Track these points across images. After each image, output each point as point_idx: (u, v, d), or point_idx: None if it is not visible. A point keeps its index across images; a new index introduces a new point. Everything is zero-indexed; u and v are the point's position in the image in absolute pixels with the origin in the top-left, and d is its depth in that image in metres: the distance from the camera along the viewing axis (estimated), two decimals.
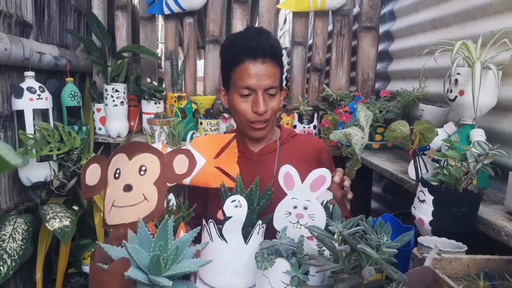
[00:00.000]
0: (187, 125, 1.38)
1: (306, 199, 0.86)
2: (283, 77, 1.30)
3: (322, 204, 0.93)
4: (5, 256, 1.24)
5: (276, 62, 1.18)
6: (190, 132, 1.13)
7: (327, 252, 0.79)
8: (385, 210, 2.14)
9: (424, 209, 0.90)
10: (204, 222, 0.92)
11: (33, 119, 1.46)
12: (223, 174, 1.05)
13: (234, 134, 1.10)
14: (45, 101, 1.49)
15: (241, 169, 1.10)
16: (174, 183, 0.84)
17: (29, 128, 1.45)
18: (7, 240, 1.29)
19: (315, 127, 1.88)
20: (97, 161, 0.82)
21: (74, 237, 1.54)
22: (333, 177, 0.97)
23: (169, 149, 1.06)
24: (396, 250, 0.67)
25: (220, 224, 0.89)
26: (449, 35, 1.39)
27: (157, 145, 1.09)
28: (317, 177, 0.86)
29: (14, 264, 1.24)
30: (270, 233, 0.93)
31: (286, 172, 0.88)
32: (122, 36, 2.06)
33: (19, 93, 1.42)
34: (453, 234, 0.86)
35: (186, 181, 1.03)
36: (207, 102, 1.94)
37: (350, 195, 1.04)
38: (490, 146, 0.87)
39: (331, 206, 0.91)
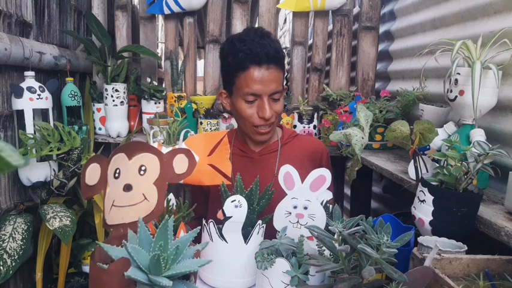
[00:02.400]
0: (181, 124, 1.38)
1: (306, 199, 0.86)
2: (284, 77, 1.31)
3: (321, 204, 0.93)
4: (5, 256, 1.24)
5: (279, 66, 1.18)
6: (184, 131, 1.13)
7: (327, 252, 0.79)
8: (385, 210, 2.14)
9: (424, 209, 0.90)
10: (204, 222, 0.92)
11: (33, 118, 1.46)
12: (216, 171, 1.06)
13: (227, 131, 1.09)
14: (45, 101, 1.49)
15: (242, 169, 1.10)
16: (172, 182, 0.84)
17: (29, 128, 1.44)
18: (7, 240, 1.29)
19: (315, 127, 1.87)
20: (97, 161, 0.82)
21: (74, 237, 1.54)
22: None
23: (164, 148, 1.06)
24: (396, 250, 0.67)
25: (220, 224, 0.89)
26: (450, 35, 1.39)
27: (153, 145, 1.10)
28: (317, 177, 0.86)
29: (14, 264, 1.24)
30: (270, 233, 0.93)
31: (286, 172, 0.88)
32: (121, 36, 2.06)
33: (19, 93, 1.42)
34: (453, 234, 0.86)
35: None
36: (207, 102, 1.94)
37: None
38: (490, 146, 0.87)
39: (330, 206, 0.91)
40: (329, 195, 0.95)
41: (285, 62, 1.29)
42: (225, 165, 1.07)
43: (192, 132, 1.15)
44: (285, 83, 1.31)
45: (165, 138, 1.15)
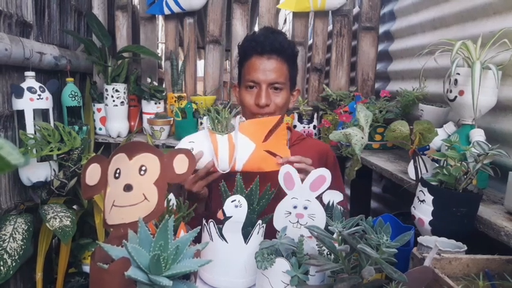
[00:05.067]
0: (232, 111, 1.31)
1: (306, 199, 0.86)
2: (296, 77, 1.33)
3: (329, 204, 0.93)
4: (5, 256, 1.24)
5: (282, 58, 1.22)
6: (238, 116, 1.10)
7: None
8: (385, 210, 2.14)
9: (424, 209, 0.90)
10: (204, 222, 0.92)
11: (34, 119, 1.46)
12: (275, 157, 1.06)
13: (280, 116, 1.10)
14: (45, 101, 1.49)
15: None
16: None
17: (29, 128, 1.45)
18: (7, 240, 1.29)
19: (314, 127, 1.88)
20: (97, 161, 0.82)
21: (74, 237, 1.54)
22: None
23: (218, 136, 1.05)
24: (396, 250, 0.67)
25: (220, 224, 0.89)
26: (449, 35, 1.39)
27: (204, 132, 1.06)
28: (317, 177, 0.86)
29: (14, 264, 1.24)
30: (270, 233, 0.93)
31: (286, 172, 0.88)
32: (122, 37, 2.06)
33: (19, 93, 1.42)
34: (453, 234, 0.86)
35: (238, 167, 1.04)
36: (207, 102, 1.94)
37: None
38: (490, 146, 0.87)
39: (340, 207, 0.90)
40: (339, 197, 0.95)
41: (297, 61, 1.30)
42: (284, 150, 1.07)
43: (244, 118, 1.12)
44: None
45: (213, 126, 1.10)
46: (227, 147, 1.04)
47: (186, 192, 1.12)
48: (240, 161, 1.04)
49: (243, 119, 1.11)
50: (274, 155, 1.06)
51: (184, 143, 1.06)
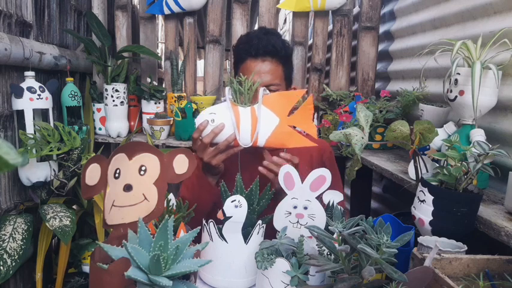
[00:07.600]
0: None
1: (306, 199, 0.86)
2: (291, 76, 1.33)
3: (329, 204, 0.93)
4: (5, 256, 1.24)
5: (277, 60, 1.22)
6: (261, 88, 1.04)
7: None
8: (385, 210, 2.14)
9: (424, 209, 0.90)
10: (204, 222, 0.92)
11: (33, 118, 1.46)
12: (299, 133, 1.01)
13: (306, 89, 1.08)
14: (45, 101, 1.49)
15: (246, 166, 1.10)
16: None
17: (29, 128, 1.44)
18: (7, 240, 1.29)
19: None
20: (97, 161, 0.82)
21: (74, 237, 1.54)
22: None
23: (240, 108, 1.01)
24: (396, 250, 0.67)
25: (220, 224, 0.89)
26: (450, 35, 1.39)
27: (226, 103, 1.01)
28: (317, 177, 0.86)
29: (14, 264, 1.24)
30: (270, 233, 0.93)
31: (286, 172, 0.88)
32: (122, 36, 2.06)
33: (19, 93, 1.42)
34: (453, 234, 0.86)
35: (261, 143, 1.00)
36: (207, 102, 1.94)
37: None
38: (490, 146, 0.87)
39: (340, 208, 0.90)
40: (339, 197, 0.95)
41: (291, 60, 1.31)
42: (309, 126, 1.01)
43: (268, 91, 1.05)
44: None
45: (235, 97, 1.02)
46: (250, 121, 1.00)
47: (201, 163, 1.09)
48: (262, 136, 1.01)
49: (267, 91, 1.05)
50: (299, 131, 1.01)
51: (205, 115, 1.02)
